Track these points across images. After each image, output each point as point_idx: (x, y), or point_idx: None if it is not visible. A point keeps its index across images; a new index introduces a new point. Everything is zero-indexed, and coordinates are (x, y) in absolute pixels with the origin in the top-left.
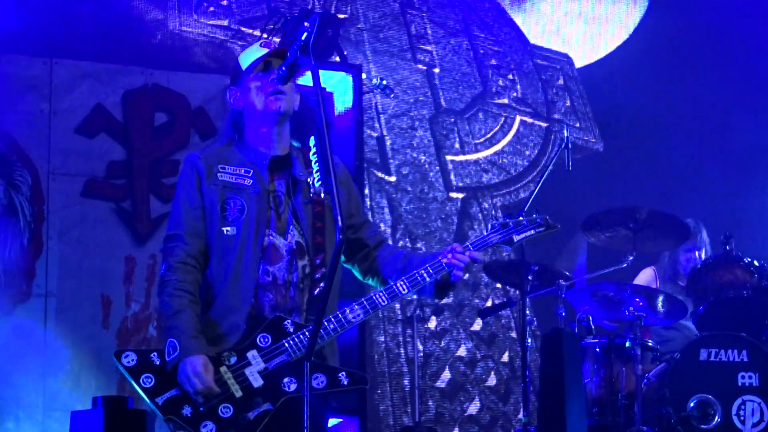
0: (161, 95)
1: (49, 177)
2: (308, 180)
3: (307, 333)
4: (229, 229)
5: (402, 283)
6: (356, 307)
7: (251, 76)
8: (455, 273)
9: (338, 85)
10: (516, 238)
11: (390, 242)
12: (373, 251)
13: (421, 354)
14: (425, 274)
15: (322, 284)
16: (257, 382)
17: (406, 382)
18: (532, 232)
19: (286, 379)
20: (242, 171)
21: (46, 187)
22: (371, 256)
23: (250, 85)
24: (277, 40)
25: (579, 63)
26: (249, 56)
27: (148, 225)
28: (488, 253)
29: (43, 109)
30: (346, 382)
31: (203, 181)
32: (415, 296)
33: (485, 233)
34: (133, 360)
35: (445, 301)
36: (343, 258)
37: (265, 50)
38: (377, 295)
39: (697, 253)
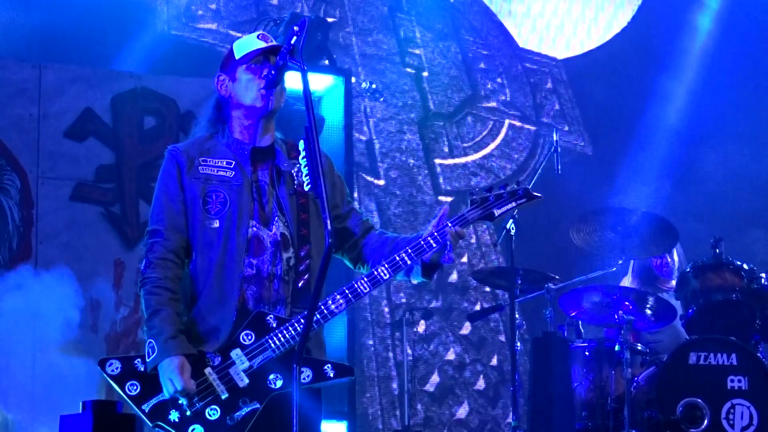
0: (150, 99)
1: (38, 181)
2: (292, 171)
3: (289, 327)
4: (212, 222)
5: (383, 268)
6: (338, 296)
7: (244, 66)
8: (446, 256)
9: (327, 89)
10: (497, 212)
11: (377, 229)
12: (361, 239)
13: (410, 358)
14: (405, 257)
15: (306, 276)
16: (242, 381)
17: (395, 385)
18: (513, 204)
19: (272, 376)
20: (224, 163)
21: (35, 191)
22: (359, 245)
23: (240, 76)
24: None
25: (568, 53)
26: (244, 46)
27: (138, 229)
28: (479, 252)
29: (32, 113)
30: (332, 375)
31: (184, 175)
32: (404, 300)
33: (465, 209)
34: (117, 368)
35: (434, 304)
36: None
37: (262, 43)
38: (359, 283)
39: (676, 255)
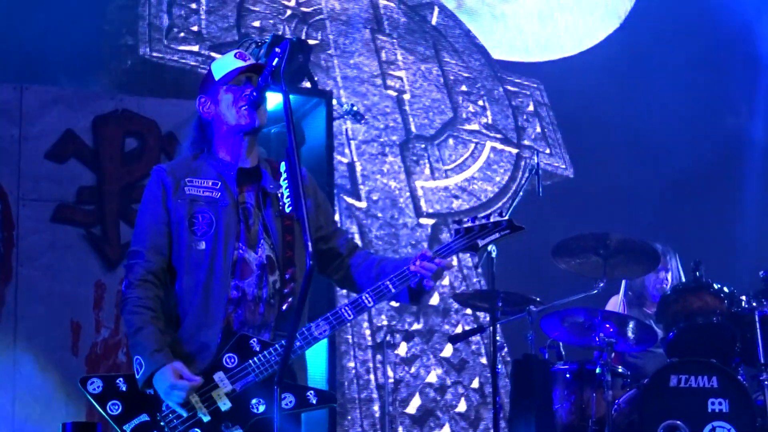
0: (131, 121)
1: (19, 202)
2: (278, 193)
3: (273, 351)
4: (198, 244)
5: (367, 295)
6: (322, 322)
7: (224, 88)
8: (426, 283)
9: (308, 111)
10: (481, 242)
11: (363, 249)
12: (347, 259)
13: (391, 380)
14: (390, 285)
15: (290, 299)
16: (225, 405)
17: (376, 408)
18: (497, 235)
19: (254, 401)
20: (210, 183)
21: (16, 213)
22: (345, 265)
23: (221, 97)
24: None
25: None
26: (223, 66)
27: (118, 251)
28: (461, 274)
29: (13, 134)
30: (315, 401)
31: (170, 196)
32: (385, 322)
33: (450, 239)
34: (98, 387)
35: (415, 327)
36: (317, 268)
37: (240, 62)
38: (343, 310)
39: (669, 274)
